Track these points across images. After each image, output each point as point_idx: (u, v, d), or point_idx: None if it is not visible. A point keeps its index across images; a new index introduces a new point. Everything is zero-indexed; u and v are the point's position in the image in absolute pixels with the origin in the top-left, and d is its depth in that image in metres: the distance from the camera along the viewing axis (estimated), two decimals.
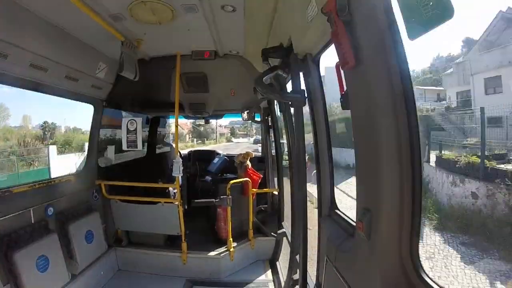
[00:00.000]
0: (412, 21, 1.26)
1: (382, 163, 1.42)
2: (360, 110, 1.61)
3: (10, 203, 3.24)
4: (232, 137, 61.51)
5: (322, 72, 2.69)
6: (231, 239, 4.88)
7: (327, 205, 2.60)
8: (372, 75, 1.41)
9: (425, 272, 1.44)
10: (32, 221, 3.48)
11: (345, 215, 2.33)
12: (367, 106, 1.49)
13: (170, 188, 5.31)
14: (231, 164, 5.83)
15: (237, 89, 5.34)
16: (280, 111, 4.49)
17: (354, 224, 1.97)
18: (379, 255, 1.51)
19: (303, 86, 2.63)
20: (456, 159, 11.43)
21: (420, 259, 1.45)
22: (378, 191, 1.47)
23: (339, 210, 2.51)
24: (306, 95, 2.56)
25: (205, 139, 49.54)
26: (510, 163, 10.18)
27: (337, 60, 1.67)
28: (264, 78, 2.73)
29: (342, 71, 1.72)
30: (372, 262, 1.56)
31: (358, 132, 1.65)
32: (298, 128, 2.67)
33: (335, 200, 2.61)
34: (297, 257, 3.21)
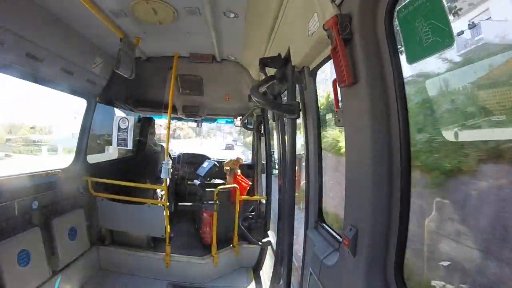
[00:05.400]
0: (412, 45, 1.27)
1: (372, 182, 1.43)
2: (354, 128, 1.62)
3: None
4: None
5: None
6: (215, 244, 4.85)
7: (314, 217, 2.60)
8: (368, 94, 1.43)
9: None
10: (16, 214, 3.39)
11: (331, 228, 2.35)
12: (361, 124, 1.51)
13: (158, 190, 5.26)
14: (221, 170, 5.80)
15: (231, 94, 5.35)
16: (273, 120, 4.51)
17: (340, 238, 1.98)
18: (364, 273, 1.52)
19: (298, 98, 2.64)
20: None
21: (405, 279, 1.46)
22: (366, 210, 1.48)
23: (325, 223, 2.52)
24: (300, 107, 2.57)
25: None
26: None
27: (335, 76, 1.69)
28: (260, 88, 2.73)
29: (338, 88, 1.73)
30: (357, 279, 1.56)
31: (350, 149, 1.66)
32: (290, 139, 2.67)
33: (322, 213, 2.61)
34: (281, 267, 3.19)
